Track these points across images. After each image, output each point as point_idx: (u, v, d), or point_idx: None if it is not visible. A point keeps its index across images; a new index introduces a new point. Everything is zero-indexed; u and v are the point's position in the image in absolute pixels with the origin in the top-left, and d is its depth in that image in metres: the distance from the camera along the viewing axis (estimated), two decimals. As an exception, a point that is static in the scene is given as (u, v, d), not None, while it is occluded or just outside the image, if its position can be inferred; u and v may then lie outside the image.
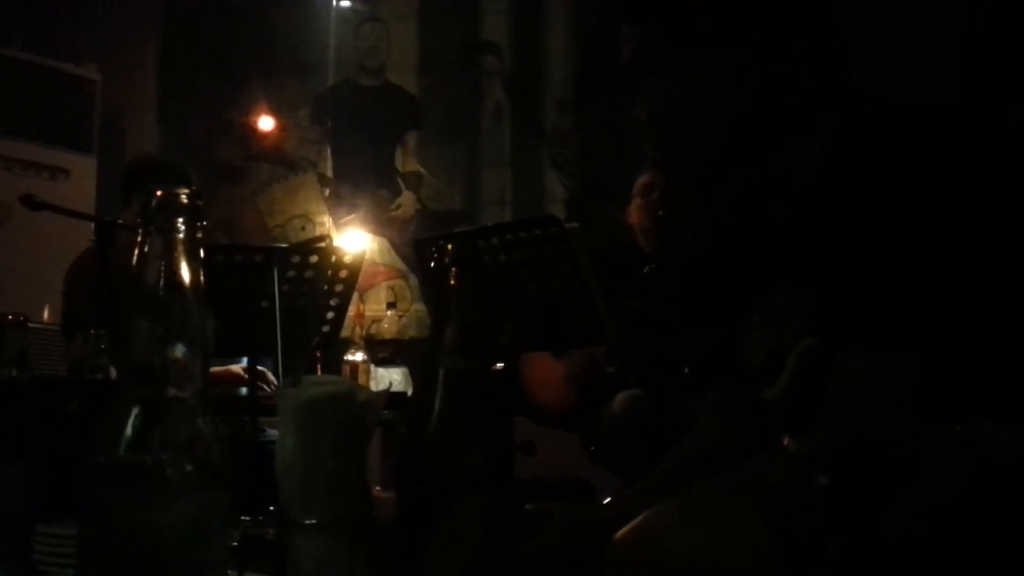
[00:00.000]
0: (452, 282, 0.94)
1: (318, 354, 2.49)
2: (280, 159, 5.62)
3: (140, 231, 0.72)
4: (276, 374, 2.26)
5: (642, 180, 3.47)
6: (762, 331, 1.27)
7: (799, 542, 0.97)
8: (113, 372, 2.11)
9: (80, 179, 4.44)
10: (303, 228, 5.43)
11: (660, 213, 3.16)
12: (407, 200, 5.59)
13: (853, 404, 1.07)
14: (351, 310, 2.87)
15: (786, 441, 1.06)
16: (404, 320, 5.04)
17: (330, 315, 2.62)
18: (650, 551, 1.11)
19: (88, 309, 2.78)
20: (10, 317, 1.38)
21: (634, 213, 3.36)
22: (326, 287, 2.54)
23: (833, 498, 0.96)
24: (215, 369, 2.78)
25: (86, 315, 2.82)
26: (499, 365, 2.21)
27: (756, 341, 1.29)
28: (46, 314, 3.36)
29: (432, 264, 0.95)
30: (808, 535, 0.97)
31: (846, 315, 1.13)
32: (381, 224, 5.51)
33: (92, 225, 2.96)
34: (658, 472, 1.49)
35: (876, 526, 0.92)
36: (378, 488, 1.33)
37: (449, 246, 0.94)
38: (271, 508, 1.31)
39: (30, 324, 1.43)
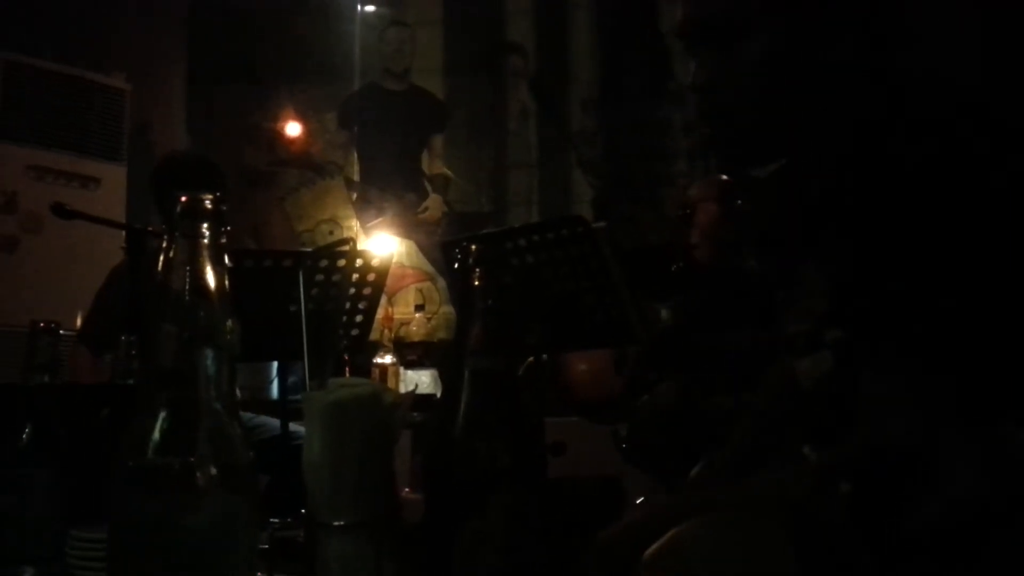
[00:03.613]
0: (477, 283, 0.94)
1: (346, 357, 2.50)
2: (307, 164, 5.65)
3: (165, 237, 0.72)
4: (304, 378, 2.26)
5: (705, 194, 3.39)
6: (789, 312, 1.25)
7: (825, 557, 0.96)
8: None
9: (111, 188, 4.48)
10: (331, 232, 5.45)
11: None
12: (434, 203, 5.60)
13: (871, 411, 1.05)
14: (379, 313, 2.88)
15: (806, 450, 1.05)
16: (432, 322, 5.04)
17: (358, 318, 2.63)
18: (679, 569, 1.11)
19: (116, 316, 2.79)
20: (42, 325, 1.39)
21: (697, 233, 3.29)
22: (354, 291, 2.55)
23: (855, 506, 0.95)
24: None
25: (112, 322, 2.83)
26: (529, 360, 2.21)
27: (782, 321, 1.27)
28: (78, 322, 3.39)
29: (457, 265, 0.95)
30: (833, 548, 0.96)
31: (871, 295, 1.11)
32: (408, 227, 5.52)
33: (123, 233, 2.99)
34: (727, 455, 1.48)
35: (898, 535, 0.91)
36: (407, 489, 1.34)
37: (473, 247, 0.94)
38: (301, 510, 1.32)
39: (62, 332, 1.44)
